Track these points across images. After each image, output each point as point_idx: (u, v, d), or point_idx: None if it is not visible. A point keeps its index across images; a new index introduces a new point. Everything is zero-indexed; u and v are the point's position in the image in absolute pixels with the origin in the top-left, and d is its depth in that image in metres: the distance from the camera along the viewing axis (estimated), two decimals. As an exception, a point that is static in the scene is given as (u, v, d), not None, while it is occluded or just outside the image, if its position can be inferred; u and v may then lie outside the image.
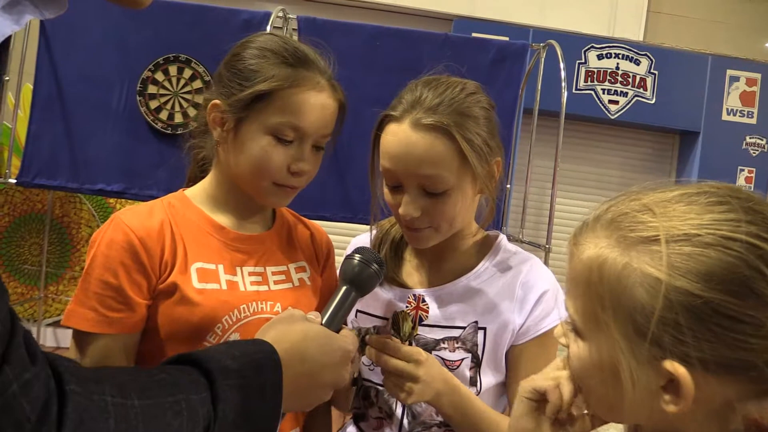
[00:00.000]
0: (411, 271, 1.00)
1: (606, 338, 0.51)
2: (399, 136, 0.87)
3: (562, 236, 4.08)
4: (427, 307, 0.91)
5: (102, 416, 0.43)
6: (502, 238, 1.00)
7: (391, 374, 0.84)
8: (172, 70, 2.57)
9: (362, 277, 0.81)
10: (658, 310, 0.47)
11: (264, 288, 0.93)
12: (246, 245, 0.94)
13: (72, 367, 0.45)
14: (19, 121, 3.08)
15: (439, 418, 0.92)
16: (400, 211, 0.90)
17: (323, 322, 0.75)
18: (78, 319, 0.83)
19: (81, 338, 0.83)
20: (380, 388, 0.96)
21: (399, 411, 0.94)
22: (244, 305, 0.90)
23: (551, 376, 0.63)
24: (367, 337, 0.88)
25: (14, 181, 2.64)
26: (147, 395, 0.48)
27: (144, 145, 2.59)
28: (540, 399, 0.63)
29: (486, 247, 0.98)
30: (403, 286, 0.97)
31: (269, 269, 0.95)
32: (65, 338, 3.63)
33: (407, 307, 0.90)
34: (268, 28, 2.46)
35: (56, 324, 3.68)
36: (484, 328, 0.92)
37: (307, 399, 0.67)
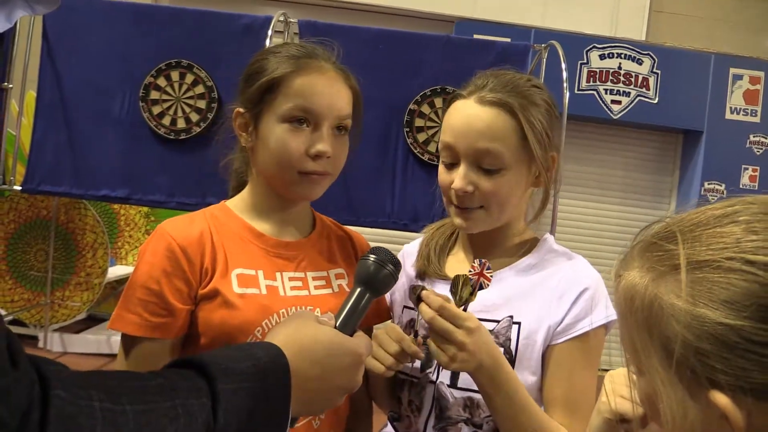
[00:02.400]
0: (455, 265, 1.00)
1: (648, 368, 0.50)
2: (463, 110, 0.92)
3: (565, 237, 4.08)
4: (491, 276, 0.87)
5: (88, 422, 0.41)
6: (549, 238, 0.98)
7: (438, 335, 0.82)
8: (174, 75, 2.58)
9: (378, 278, 0.78)
10: (684, 339, 0.47)
11: (304, 293, 0.94)
12: (286, 251, 0.96)
13: (59, 371, 0.43)
14: (23, 128, 3.09)
15: (466, 415, 0.91)
16: (453, 184, 0.91)
17: (337, 324, 0.72)
18: (123, 323, 0.87)
19: (126, 342, 0.87)
20: (414, 380, 0.96)
21: (428, 405, 0.93)
22: (284, 310, 0.91)
23: (623, 393, 0.63)
24: (423, 292, 0.85)
25: (19, 188, 2.65)
26: (140, 400, 0.45)
27: (147, 151, 2.60)
28: (619, 420, 0.63)
29: (531, 246, 0.97)
30: (445, 278, 0.98)
31: (309, 274, 0.96)
32: (72, 344, 3.64)
33: (470, 272, 0.87)
34: (269, 32, 2.46)
35: (63, 329, 3.69)
36: (519, 323, 0.91)
37: (317, 404, 0.65)
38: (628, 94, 4.04)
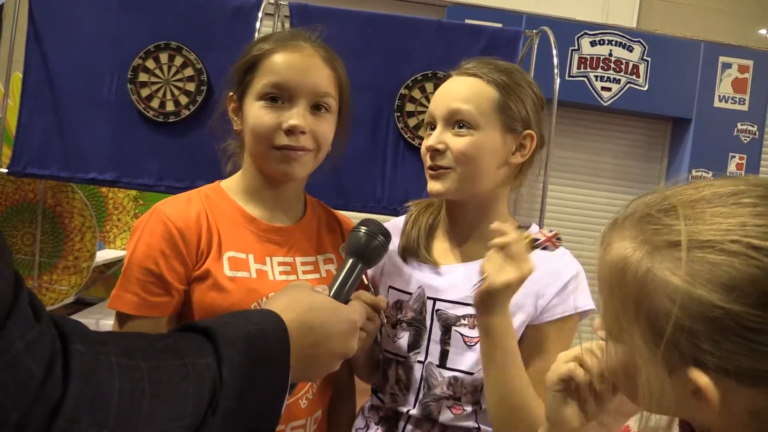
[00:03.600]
0: (441, 250, 1.03)
1: (629, 342, 0.50)
2: (445, 83, 0.99)
3: (555, 224, 4.10)
4: (558, 243, 0.89)
5: (107, 375, 0.42)
6: (532, 226, 1.00)
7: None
8: (163, 57, 2.55)
9: (369, 249, 0.81)
10: (676, 318, 0.46)
11: (293, 277, 0.96)
12: (276, 236, 0.98)
13: (77, 327, 0.45)
14: (9, 110, 3.05)
15: (449, 392, 0.93)
16: (426, 143, 0.96)
17: (331, 294, 0.75)
18: (122, 302, 0.89)
19: (124, 321, 0.89)
20: (401, 359, 0.99)
21: (416, 383, 0.96)
22: (272, 293, 0.91)
23: (569, 358, 0.63)
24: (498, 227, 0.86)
25: (5, 170, 2.62)
26: (153, 357, 0.47)
27: (136, 134, 2.58)
28: (567, 387, 0.63)
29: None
30: (433, 263, 1.01)
31: (298, 260, 0.98)
32: (59, 327, 3.62)
33: (537, 237, 0.88)
34: (259, 14, 2.44)
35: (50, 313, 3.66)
36: None
37: (315, 369, 0.67)
38: (618, 81, 4.04)
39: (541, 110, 0.99)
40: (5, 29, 2.65)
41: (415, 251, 1.02)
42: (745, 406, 0.46)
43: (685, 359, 0.47)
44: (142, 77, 2.55)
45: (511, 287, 0.82)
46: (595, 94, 4.04)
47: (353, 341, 0.70)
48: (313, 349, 0.64)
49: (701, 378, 0.46)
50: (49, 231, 3.59)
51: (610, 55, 4.01)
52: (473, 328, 0.94)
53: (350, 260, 0.80)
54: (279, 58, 0.93)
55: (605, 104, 4.06)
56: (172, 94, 2.55)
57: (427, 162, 0.96)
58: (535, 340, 0.94)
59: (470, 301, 0.93)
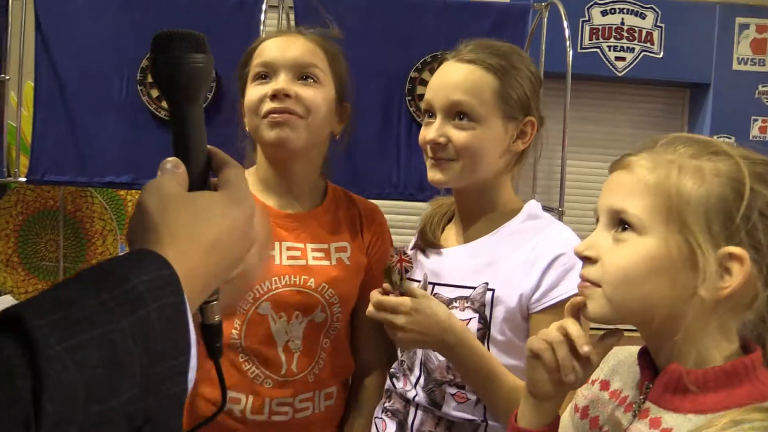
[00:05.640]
0: (447, 235, 1.05)
1: (677, 229, 0.58)
2: (442, 69, 0.97)
3: (574, 199, 4.04)
4: (409, 259, 0.92)
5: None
6: (532, 204, 1.00)
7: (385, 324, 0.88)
8: (171, 56, 2.54)
9: (184, 78, 0.53)
10: (740, 206, 0.56)
11: (301, 263, 0.99)
12: (287, 222, 1.01)
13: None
14: (23, 119, 3.08)
15: (450, 376, 0.94)
16: (427, 136, 0.95)
17: (187, 168, 0.52)
18: None
19: None
20: None
21: (417, 367, 0.98)
22: (276, 278, 0.97)
23: (548, 338, 0.66)
24: (372, 293, 0.91)
25: (24, 179, 2.65)
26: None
27: (148, 135, 2.59)
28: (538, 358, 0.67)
29: (514, 213, 0.99)
30: (439, 247, 1.02)
31: (309, 246, 1.01)
32: (88, 331, 3.68)
33: (391, 259, 0.92)
34: (264, 6, 2.42)
35: (78, 318, 3.72)
36: (493, 290, 0.92)
37: (216, 281, 0.50)
38: (632, 50, 3.96)
39: (539, 90, 0.99)
40: (14, 39, 2.67)
41: (426, 239, 1.04)
42: (749, 291, 0.57)
43: (730, 239, 0.57)
44: (151, 78, 2.55)
45: (419, 343, 0.89)
46: (608, 64, 3.97)
47: (243, 240, 0.52)
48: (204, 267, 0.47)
49: (739, 250, 0.56)
50: (71, 236, 3.63)
51: (622, 23, 3.92)
52: (464, 310, 0.94)
53: (174, 111, 0.55)
54: (265, 44, 1.00)
55: (620, 74, 3.98)
56: (182, 92, 2.55)
57: (428, 153, 0.96)
58: (533, 332, 0.93)
59: (461, 283, 0.95)
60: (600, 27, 3.92)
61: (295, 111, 0.93)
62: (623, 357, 0.71)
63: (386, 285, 0.90)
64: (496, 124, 0.93)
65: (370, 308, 0.88)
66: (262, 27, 2.40)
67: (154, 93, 2.55)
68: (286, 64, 0.96)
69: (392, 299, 0.87)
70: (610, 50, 3.94)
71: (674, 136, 0.64)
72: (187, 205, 0.47)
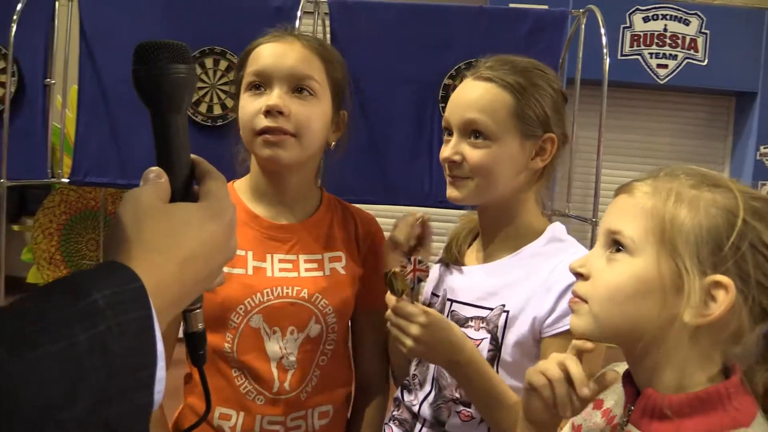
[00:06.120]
0: (470, 252, 1.03)
1: (667, 253, 0.59)
2: (460, 87, 0.96)
3: (613, 208, 3.96)
4: (426, 269, 0.92)
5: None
6: (556, 227, 0.98)
7: (395, 327, 0.87)
8: (209, 62, 2.59)
9: (166, 89, 0.52)
10: (731, 235, 0.57)
11: (293, 274, 0.97)
12: (279, 233, 0.98)
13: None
14: (69, 121, 3.18)
15: (457, 395, 0.93)
16: (443, 154, 0.94)
17: (170, 178, 0.51)
18: None
19: None
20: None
21: (429, 383, 0.96)
22: (268, 289, 0.95)
23: (548, 374, 0.67)
24: (387, 296, 0.90)
25: (67, 180, 2.74)
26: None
27: (186, 139, 2.64)
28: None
29: (537, 234, 0.97)
30: (460, 264, 1.02)
31: (302, 257, 0.99)
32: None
33: (402, 269, 0.92)
34: (298, 13, 2.45)
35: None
36: (508, 312, 0.91)
37: (194, 292, 0.49)
38: (675, 57, 3.86)
39: (562, 107, 0.97)
40: (59, 46, 2.76)
41: (450, 254, 1.03)
42: (732, 324, 0.58)
43: (716, 267, 0.58)
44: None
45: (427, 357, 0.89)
46: (650, 72, 3.88)
47: (233, 242, 0.52)
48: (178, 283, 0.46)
49: (725, 279, 0.57)
50: (112, 236, 3.74)
51: (665, 30, 3.84)
52: (478, 330, 0.92)
53: (158, 121, 0.54)
54: (260, 50, 0.96)
55: (662, 82, 3.90)
56: (219, 97, 2.60)
57: (446, 170, 0.95)
58: (543, 356, 0.90)
59: (479, 303, 0.94)
60: (641, 33, 3.84)
61: (288, 131, 0.90)
62: (618, 376, 0.71)
63: (389, 295, 0.88)
64: (513, 142, 0.91)
65: (389, 312, 0.87)
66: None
67: (192, 98, 2.60)
68: (281, 76, 0.92)
69: (410, 306, 0.85)
70: (651, 57, 3.86)
71: (679, 165, 0.65)
72: (163, 217, 0.46)
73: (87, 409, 0.35)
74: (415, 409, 0.97)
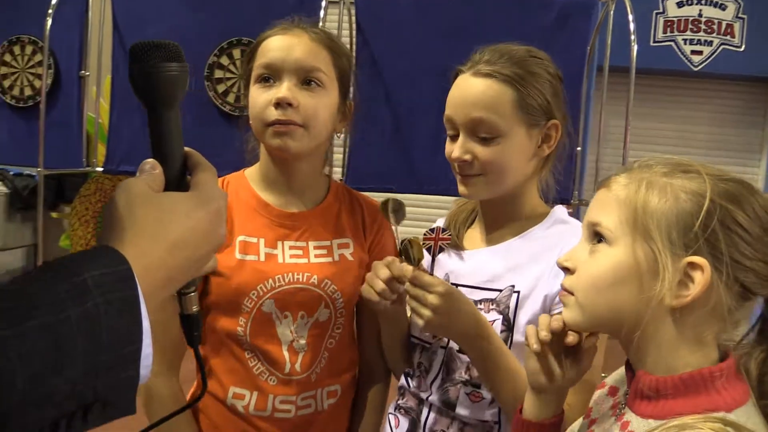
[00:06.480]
0: (471, 236, 1.04)
1: (642, 239, 0.61)
2: (459, 84, 0.95)
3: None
4: (449, 237, 0.92)
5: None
6: (558, 209, 0.99)
7: (412, 299, 0.87)
8: (236, 53, 2.64)
9: (160, 86, 0.56)
10: (700, 217, 0.59)
11: (303, 261, 1.00)
12: (289, 221, 1.01)
13: None
14: (103, 111, 3.28)
15: (466, 376, 0.94)
16: (452, 154, 0.94)
17: (164, 169, 0.55)
18: None
19: None
20: (426, 345, 1.00)
21: (436, 367, 0.97)
22: (280, 275, 0.97)
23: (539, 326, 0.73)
24: (394, 266, 0.89)
25: (101, 168, 2.83)
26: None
27: (214, 128, 2.70)
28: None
29: (541, 217, 0.98)
30: (461, 248, 1.02)
31: (311, 244, 1.02)
32: (159, 314, 3.87)
33: (425, 235, 0.91)
34: (323, 3, 2.47)
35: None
36: (518, 292, 0.92)
37: (183, 277, 0.52)
38: (710, 43, 3.77)
39: (560, 90, 0.97)
40: (93, 38, 2.84)
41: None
42: (711, 299, 0.59)
43: (689, 249, 0.59)
44: (218, 74, 2.66)
45: (443, 329, 0.89)
46: (684, 58, 3.79)
47: (221, 229, 0.54)
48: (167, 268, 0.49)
49: (700, 259, 0.58)
50: (145, 224, 3.84)
51: (700, 15, 3.74)
52: (489, 312, 0.94)
53: (151, 114, 0.57)
54: (268, 42, 0.98)
55: (696, 69, 3.81)
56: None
57: (455, 169, 0.96)
58: None
59: (486, 285, 0.95)
60: (675, 19, 3.75)
61: (297, 122, 0.94)
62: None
63: (404, 265, 0.87)
64: (520, 134, 0.92)
65: (406, 284, 0.86)
66: (321, 24, 2.45)
67: (220, 88, 2.66)
68: (290, 68, 0.95)
69: (428, 276, 0.86)
70: (685, 43, 3.77)
71: (653, 156, 0.67)
72: (153, 204, 0.49)
73: (75, 379, 0.39)
74: (424, 395, 0.98)
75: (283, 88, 0.94)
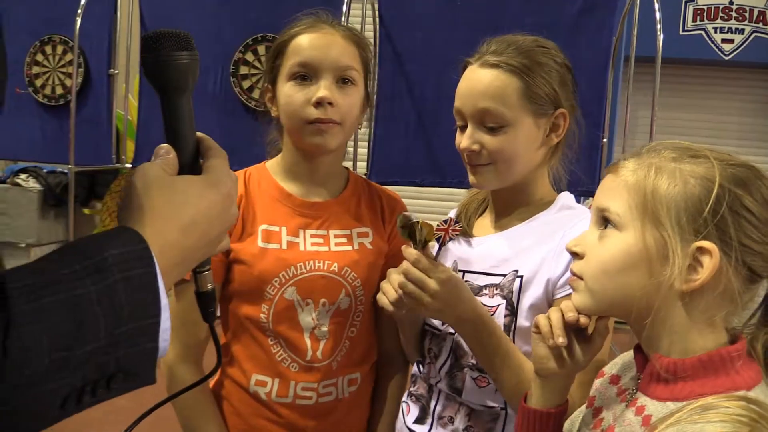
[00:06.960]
0: (481, 224, 1.06)
1: (652, 225, 0.61)
2: (467, 76, 0.97)
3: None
4: (461, 228, 0.91)
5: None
6: (564, 196, 1.00)
7: (414, 284, 0.87)
8: (261, 49, 2.67)
9: (171, 74, 0.58)
10: (710, 203, 0.59)
11: (324, 249, 1.02)
12: (311, 210, 1.04)
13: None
14: (132, 108, 3.34)
15: (472, 361, 0.95)
16: (461, 144, 0.96)
17: (178, 154, 0.57)
18: None
19: (177, 289, 0.98)
20: (436, 332, 1.02)
21: (445, 353, 0.99)
22: (302, 263, 1.00)
23: (550, 316, 0.72)
24: (403, 246, 0.90)
25: (130, 165, 2.89)
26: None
27: (240, 123, 2.73)
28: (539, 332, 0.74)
29: (549, 204, 0.99)
30: (470, 236, 1.04)
31: (332, 232, 1.04)
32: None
33: (438, 226, 0.90)
34: (346, -1, 2.48)
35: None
36: (521, 276, 0.93)
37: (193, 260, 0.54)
38: (741, 32, 3.68)
39: (569, 79, 0.98)
40: (122, 37, 2.90)
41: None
42: (721, 282, 0.59)
43: (699, 234, 0.59)
44: (243, 70, 2.69)
45: (442, 314, 0.90)
46: (714, 47, 3.71)
47: (234, 209, 0.57)
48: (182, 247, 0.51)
49: (709, 244, 0.58)
50: (173, 219, 3.91)
51: (731, 3, 3.65)
52: (493, 297, 0.95)
53: (162, 100, 0.59)
54: (302, 40, 1.00)
55: (727, 58, 3.72)
56: (271, 83, 2.68)
57: (465, 159, 0.97)
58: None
59: (492, 271, 0.96)
60: (705, 7, 3.67)
61: (336, 120, 0.97)
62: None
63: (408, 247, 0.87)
64: (527, 123, 0.93)
65: (406, 265, 0.86)
66: (344, 19, 2.46)
67: (246, 84, 2.69)
68: (328, 68, 0.98)
69: (431, 261, 0.87)
70: (716, 32, 3.69)
71: (661, 142, 0.67)
72: (167, 187, 0.52)
73: (96, 350, 0.42)
74: (433, 381, 0.99)
75: (324, 88, 0.97)
